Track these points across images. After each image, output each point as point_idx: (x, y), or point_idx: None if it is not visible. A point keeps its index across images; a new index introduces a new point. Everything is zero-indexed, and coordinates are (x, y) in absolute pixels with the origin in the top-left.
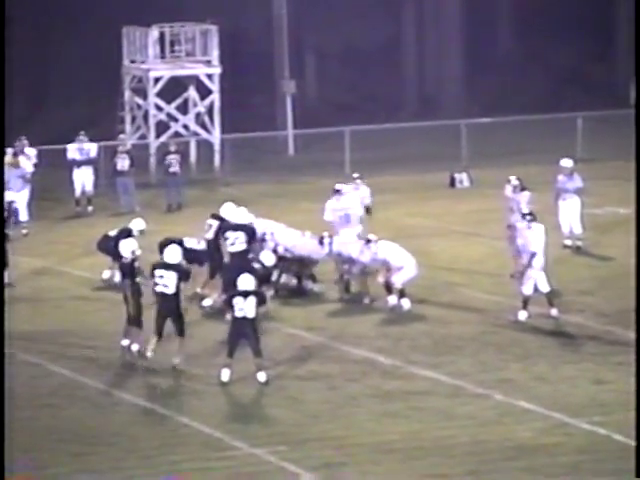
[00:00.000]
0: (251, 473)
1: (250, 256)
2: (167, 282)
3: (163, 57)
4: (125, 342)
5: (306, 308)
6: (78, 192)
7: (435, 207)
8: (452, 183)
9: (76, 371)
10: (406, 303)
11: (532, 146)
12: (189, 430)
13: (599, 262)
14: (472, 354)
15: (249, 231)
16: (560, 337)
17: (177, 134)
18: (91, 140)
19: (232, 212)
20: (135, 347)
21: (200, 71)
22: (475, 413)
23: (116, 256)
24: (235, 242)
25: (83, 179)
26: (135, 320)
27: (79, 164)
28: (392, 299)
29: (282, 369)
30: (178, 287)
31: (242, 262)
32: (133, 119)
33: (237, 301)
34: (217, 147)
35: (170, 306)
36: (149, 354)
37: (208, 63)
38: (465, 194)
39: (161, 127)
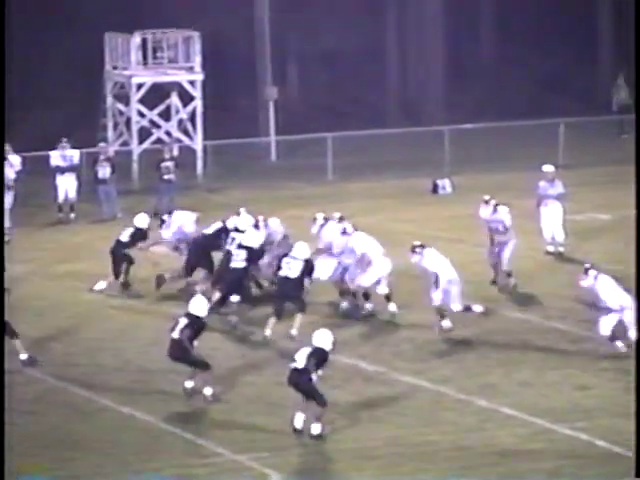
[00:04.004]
0: (234, 479)
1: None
2: None
3: (145, 63)
4: (189, 384)
5: (289, 315)
6: (61, 198)
7: (417, 213)
8: (434, 189)
9: (58, 377)
10: (393, 307)
11: (514, 152)
12: (172, 436)
13: (579, 268)
14: (454, 360)
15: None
16: (543, 343)
17: (159, 140)
18: (73, 147)
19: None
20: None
21: (182, 77)
22: (457, 419)
23: (128, 261)
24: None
25: (66, 186)
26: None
27: (62, 171)
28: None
29: (264, 376)
30: None
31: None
32: (115, 125)
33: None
34: (199, 153)
35: None
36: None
37: (190, 69)
38: (447, 200)
39: (144, 133)
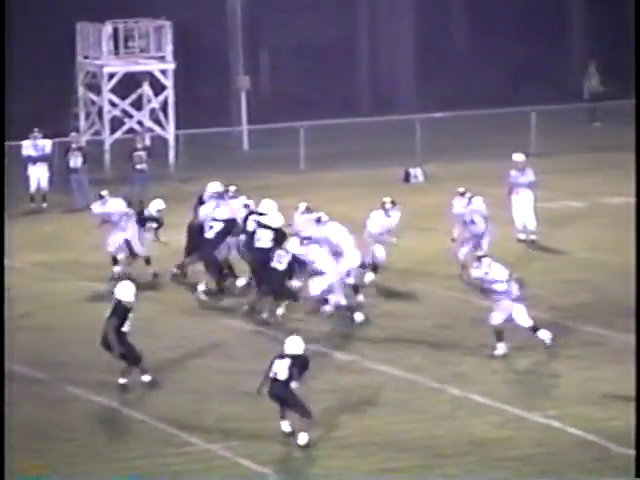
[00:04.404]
0: (206, 468)
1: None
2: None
3: (117, 53)
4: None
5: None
6: (33, 188)
7: None
8: (407, 178)
9: (28, 368)
10: (360, 298)
11: (486, 141)
12: (144, 426)
13: (553, 256)
14: (427, 348)
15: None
16: (514, 331)
17: (131, 130)
18: (45, 137)
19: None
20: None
21: (154, 67)
22: (430, 407)
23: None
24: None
25: (38, 175)
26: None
27: (34, 160)
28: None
29: (237, 365)
30: None
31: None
32: (87, 115)
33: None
34: (171, 143)
35: None
36: None
37: (162, 59)
38: (419, 189)
39: (115, 123)
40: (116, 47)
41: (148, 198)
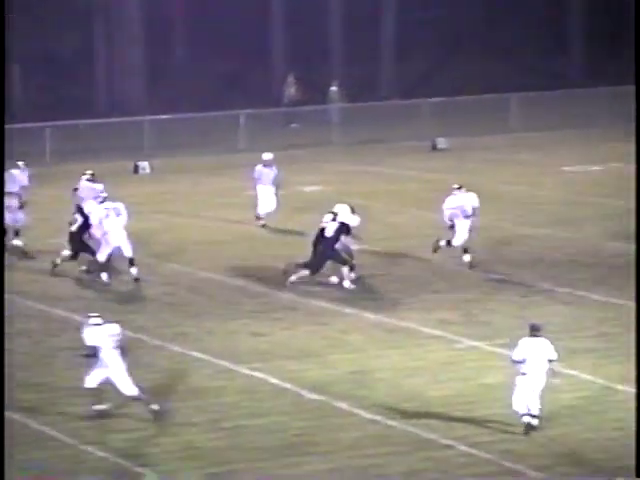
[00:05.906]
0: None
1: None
2: None
3: None
4: None
5: (15, 274)
6: None
7: (122, 190)
8: (136, 170)
9: None
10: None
11: (202, 139)
12: None
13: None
14: (153, 312)
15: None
16: (225, 298)
17: None
18: None
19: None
20: None
21: None
22: (154, 362)
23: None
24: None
25: None
26: None
27: None
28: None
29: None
30: None
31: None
32: None
33: None
34: None
35: None
36: None
37: None
38: (147, 179)
39: None
40: None
41: None
